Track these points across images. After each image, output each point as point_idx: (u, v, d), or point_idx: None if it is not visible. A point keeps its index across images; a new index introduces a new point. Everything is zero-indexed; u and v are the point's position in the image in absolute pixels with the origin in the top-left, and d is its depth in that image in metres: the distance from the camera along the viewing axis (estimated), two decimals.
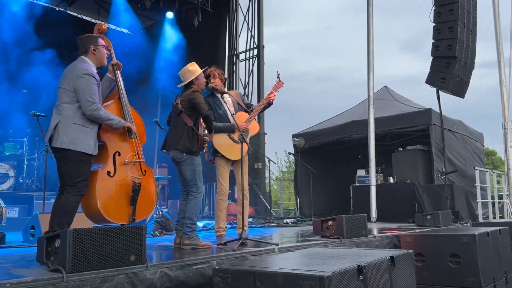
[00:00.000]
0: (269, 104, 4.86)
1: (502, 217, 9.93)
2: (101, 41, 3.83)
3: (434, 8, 7.82)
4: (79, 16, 12.28)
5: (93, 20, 12.06)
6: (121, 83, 4.03)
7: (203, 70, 4.48)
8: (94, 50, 3.75)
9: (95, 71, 3.68)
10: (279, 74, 4.89)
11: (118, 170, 3.74)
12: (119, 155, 3.79)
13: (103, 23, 4.37)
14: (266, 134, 11.16)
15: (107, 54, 3.89)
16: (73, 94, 3.51)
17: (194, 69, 4.36)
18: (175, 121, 4.32)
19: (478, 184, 8.72)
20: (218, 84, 4.66)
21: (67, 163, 3.47)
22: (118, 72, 4.02)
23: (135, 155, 3.90)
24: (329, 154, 11.52)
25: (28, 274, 2.58)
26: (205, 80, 4.50)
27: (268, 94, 4.85)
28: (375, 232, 5.65)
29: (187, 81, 4.34)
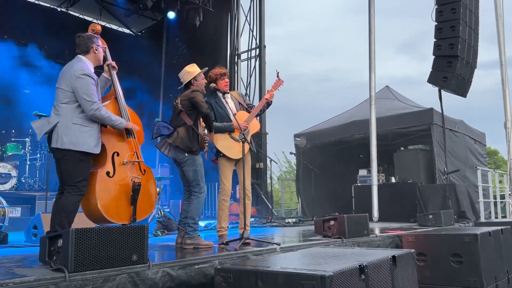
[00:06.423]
0: (268, 104, 4.85)
1: (504, 216, 9.91)
2: (100, 42, 3.85)
3: (436, 7, 7.80)
4: (81, 16, 12.31)
5: (94, 21, 12.09)
6: (117, 83, 4.01)
7: (204, 70, 4.48)
8: (96, 50, 3.76)
9: (93, 71, 3.67)
10: (278, 72, 4.90)
11: (117, 170, 3.74)
12: (117, 155, 3.79)
13: (97, 23, 4.36)
14: (267, 134, 11.15)
15: (103, 54, 3.91)
16: (71, 94, 3.50)
17: (193, 70, 4.38)
18: (175, 121, 4.33)
19: (480, 183, 8.71)
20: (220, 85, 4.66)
21: (67, 163, 3.46)
22: (114, 72, 4.00)
23: (133, 154, 3.90)
24: (331, 154, 11.52)
25: (31, 274, 2.58)
26: (205, 81, 4.51)
27: (268, 92, 4.85)
28: (376, 231, 5.65)
29: (186, 82, 4.35)
